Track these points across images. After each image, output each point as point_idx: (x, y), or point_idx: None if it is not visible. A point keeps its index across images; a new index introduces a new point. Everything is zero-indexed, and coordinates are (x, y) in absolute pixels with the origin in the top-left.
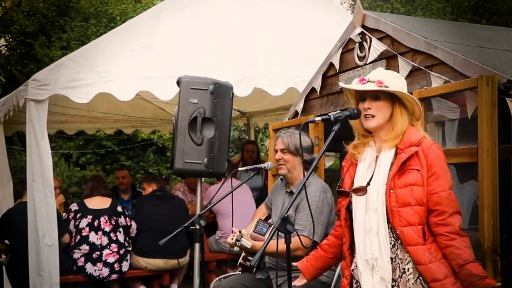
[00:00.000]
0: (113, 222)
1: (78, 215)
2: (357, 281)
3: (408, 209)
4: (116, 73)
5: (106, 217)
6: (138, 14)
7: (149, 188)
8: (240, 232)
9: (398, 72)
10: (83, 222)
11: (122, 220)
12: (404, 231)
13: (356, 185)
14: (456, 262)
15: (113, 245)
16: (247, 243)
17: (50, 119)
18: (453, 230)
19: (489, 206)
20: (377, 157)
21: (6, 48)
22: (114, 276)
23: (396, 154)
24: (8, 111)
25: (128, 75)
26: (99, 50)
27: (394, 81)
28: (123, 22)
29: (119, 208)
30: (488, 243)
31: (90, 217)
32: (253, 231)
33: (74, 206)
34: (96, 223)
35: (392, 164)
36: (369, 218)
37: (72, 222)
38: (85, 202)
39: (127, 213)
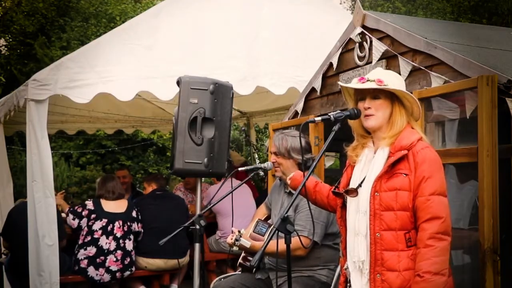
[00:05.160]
0: (125, 228)
1: (93, 216)
2: (349, 281)
3: (390, 213)
4: (116, 73)
5: (121, 222)
6: (138, 14)
7: (149, 188)
8: (239, 232)
9: (399, 72)
10: (97, 225)
11: (135, 226)
12: (383, 234)
13: (350, 186)
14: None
15: (119, 251)
16: (246, 242)
17: (50, 119)
18: (423, 236)
19: (489, 206)
20: (373, 158)
21: (6, 48)
22: (114, 281)
23: (388, 157)
24: (8, 111)
25: (128, 75)
26: (99, 50)
27: (394, 80)
28: (123, 22)
29: (134, 214)
30: (488, 243)
31: (105, 220)
32: (253, 231)
33: (89, 205)
34: (109, 227)
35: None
36: (358, 220)
37: (85, 220)
38: (101, 203)
39: (140, 218)
